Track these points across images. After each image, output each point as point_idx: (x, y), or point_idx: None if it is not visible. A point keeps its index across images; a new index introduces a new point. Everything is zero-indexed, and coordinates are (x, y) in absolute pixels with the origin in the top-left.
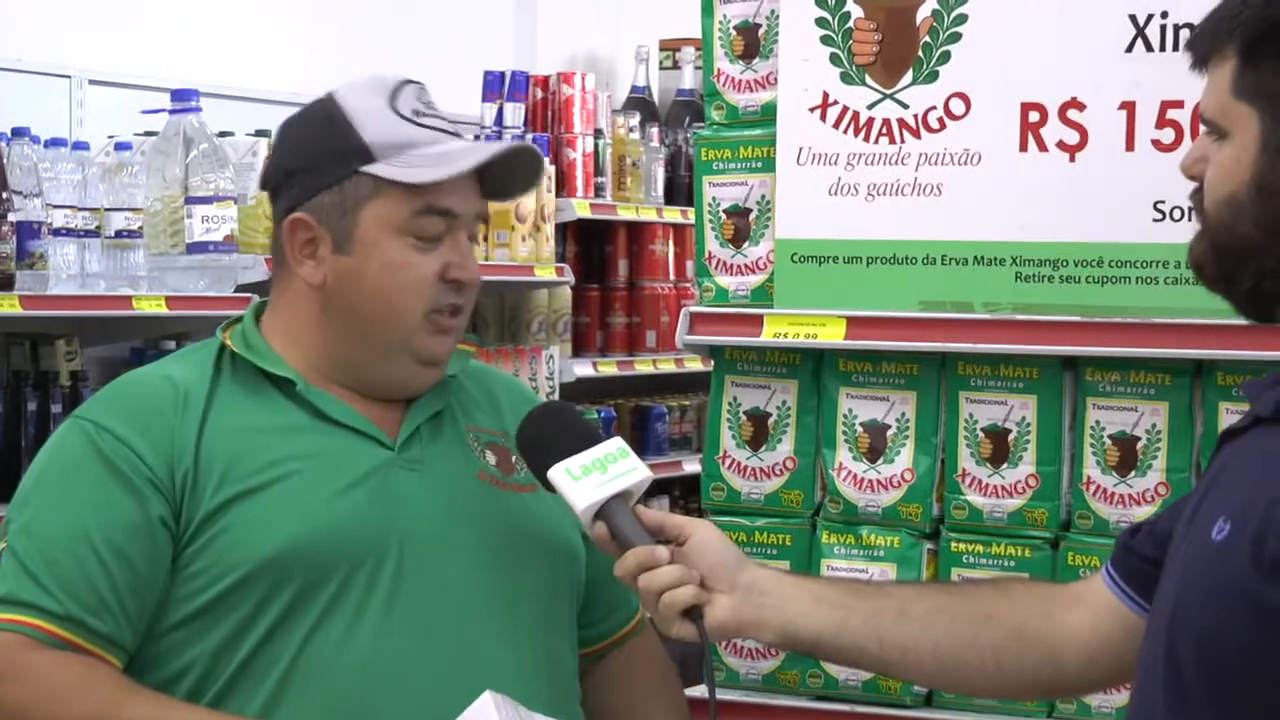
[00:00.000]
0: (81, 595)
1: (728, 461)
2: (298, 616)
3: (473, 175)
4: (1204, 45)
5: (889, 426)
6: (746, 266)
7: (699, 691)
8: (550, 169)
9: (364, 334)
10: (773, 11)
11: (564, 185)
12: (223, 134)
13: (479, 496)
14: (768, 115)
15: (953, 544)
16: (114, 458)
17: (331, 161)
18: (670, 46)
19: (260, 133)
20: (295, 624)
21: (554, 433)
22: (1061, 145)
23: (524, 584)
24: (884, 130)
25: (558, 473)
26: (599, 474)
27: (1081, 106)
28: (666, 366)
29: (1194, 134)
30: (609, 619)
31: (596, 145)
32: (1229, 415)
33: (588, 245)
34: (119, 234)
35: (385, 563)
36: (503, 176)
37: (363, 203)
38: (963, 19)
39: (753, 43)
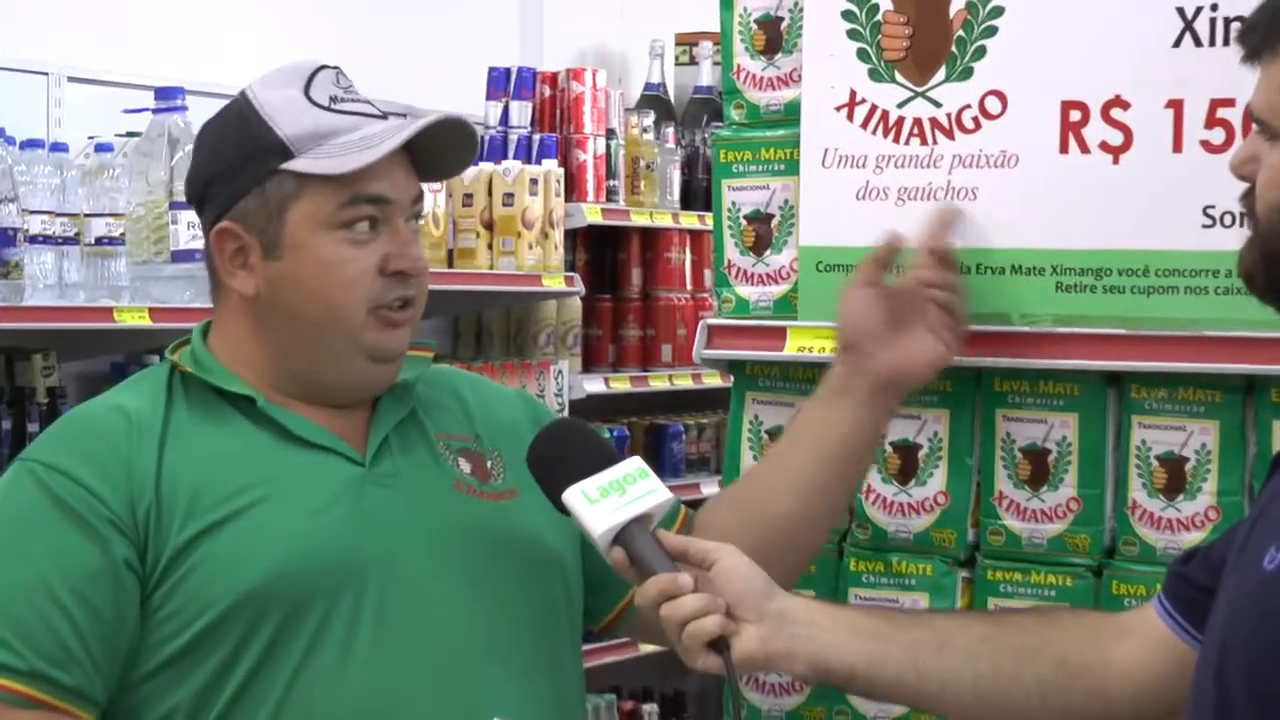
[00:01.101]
0: (46, 648)
1: None
2: (282, 653)
3: (404, 157)
4: (1256, 39)
5: (921, 446)
6: (768, 276)
7: None
8: (559, 172)
9: (308, 340)
10: (796, 4)
11: (574, 189)
12: None
13: (458, 509)
14: (791, 114)
15: (989, 572)
16: (69, 500)
17: (249, 163)
18: (687, 41)
19: None
20: (280, 661)
21: (568, 452)
22: (1104, 146)
23: (515, 595)
24: (915, 130)
25: (573, 495)
26: (617, 496)
27: (1126, 105)
28: (683, 382)
29: (1245, 133)
30: (612, 588)
31: (608, 146)
32: None
33: (599, 253)
34: (99, 241)
35: (368, 587)
36: (437, 155)
37: (287, 203)
38: (999, 11)
39: (775, 37)
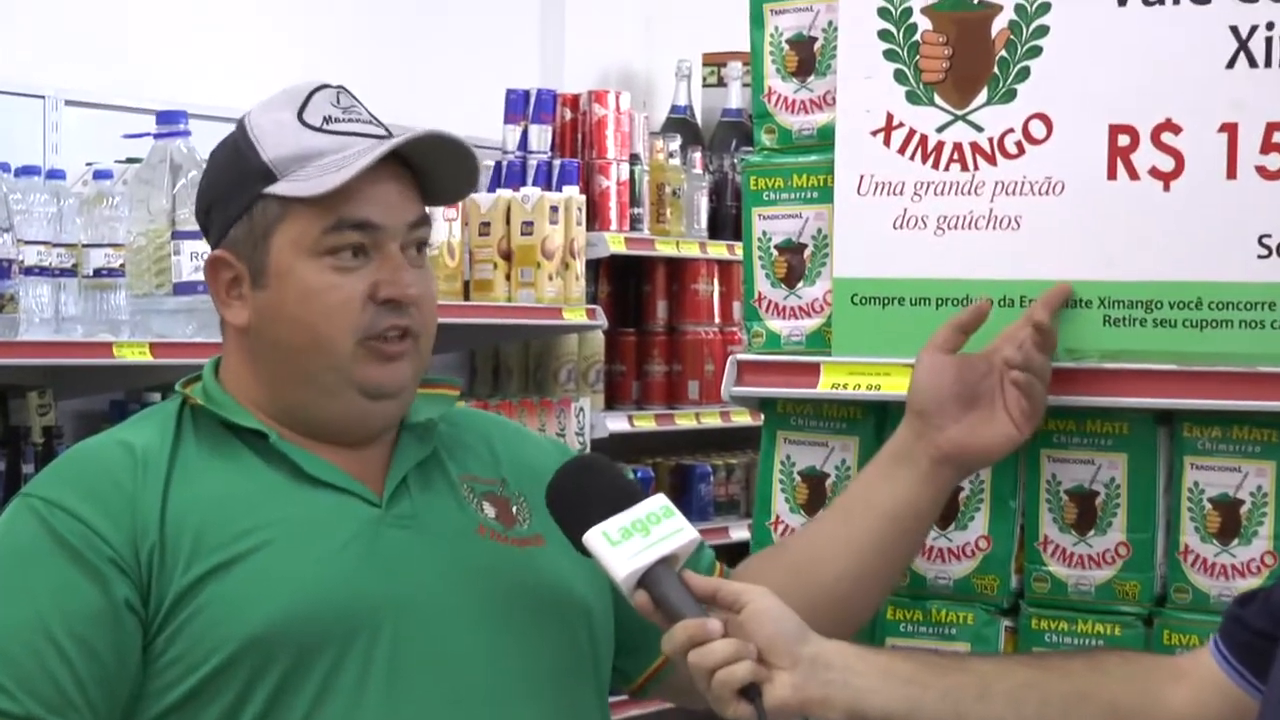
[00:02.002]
0: (43, 693)
1: (780, 528)
2: (290, 701)
3: (402, 178)
4: None
5: (962, 489)
6: (801, 309)
7: None
8: (581, 199)
9: (296, 373)
10: (830, 23)
11: (596, 217)
12: None
13: (479, 553)
14: (825, 139)
15: (1034, 620)
16: (69, 538)
17: (237, 189)
18: (715, 61)
19: None
20: (287, 710)
21: (588, 491)
22: (1154, 172)
23: (537, 647)
24: (955, 156)
25: (594, 538)
26: (640, 537)
27: (1177, 129)
28: (711, 421)
29: None
30: (646, 649)
31: (632, 172)
32: None
33: (622, 284)
34: (98, 273)
35: (381, 634)
36: (439, 176)
37: (272, 228)
38: (1043, 31)
39: (808, 58)
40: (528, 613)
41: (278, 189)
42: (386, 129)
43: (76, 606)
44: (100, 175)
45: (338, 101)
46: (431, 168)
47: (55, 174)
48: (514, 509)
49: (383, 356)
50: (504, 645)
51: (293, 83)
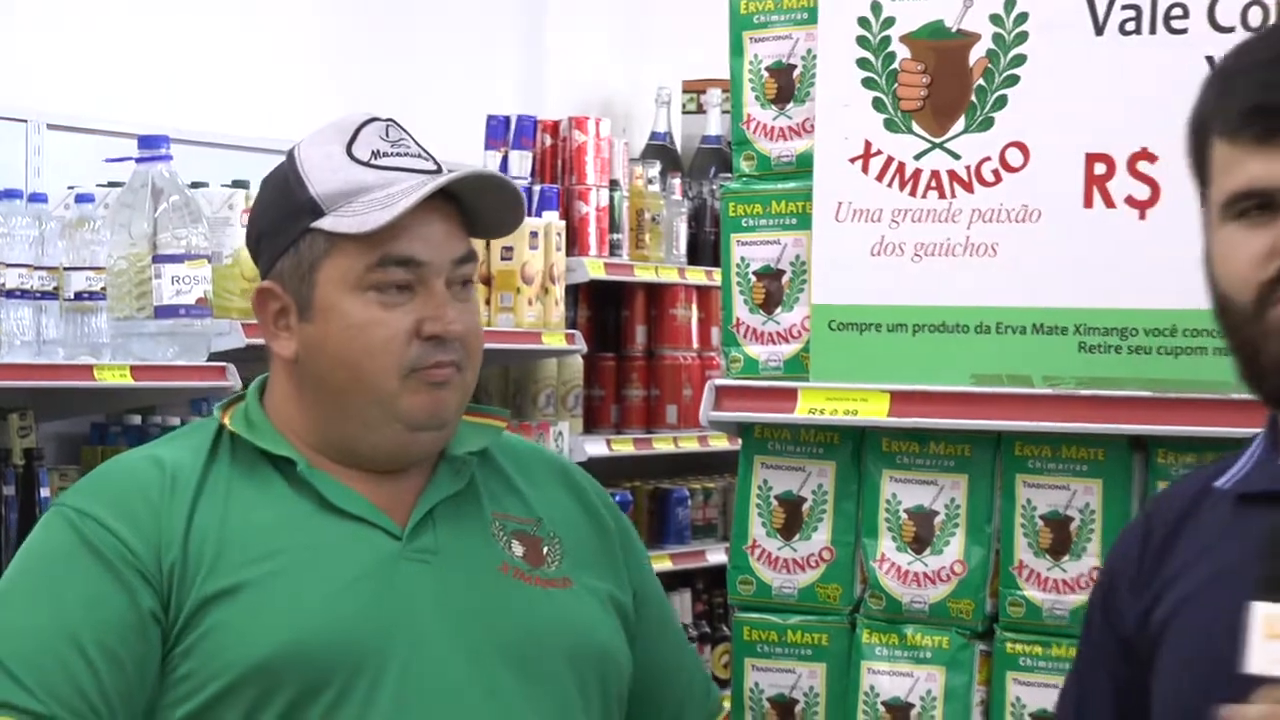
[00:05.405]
0: (65, 696)
1: (757, 552)
2: None
3: (447, 213)
4: None
5: (937, 513)
6: (779, 335)
7: None
8: (560, 224)
9: (341, 406)
10: (809, 51)
11: (575, 242)
12: (196, 185)
13: (497, 591)
14: (803, 166)
15: (1008, 645)
16: (100, 547)
17: (285, 221)
18: (694, 89)
19: (238, 183)
20: None
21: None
22: (1131, 201)
23: (545, 690)
24: (933, 183)
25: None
26: None
27: (1153, 158)
28: (689, 445)
29: None
30: (684, 713)
31: (612, 198)
32: None
33: (602, 309)
34: (79, 296)
35: (387, 669)
36: (484, 211)
37: (318, 263)
38: (1021, 60)
39: (787, 85)
40: (541, 654)
41: (324, 224)
42: (436, 161)
43: (105, 615)
44: (82, 199)
45: (386, 135)
46: (477, 203)
47: (37, 197)
48: (545, 549)
49: (427, 384)
50: (512, 686)
51: (343, 114)
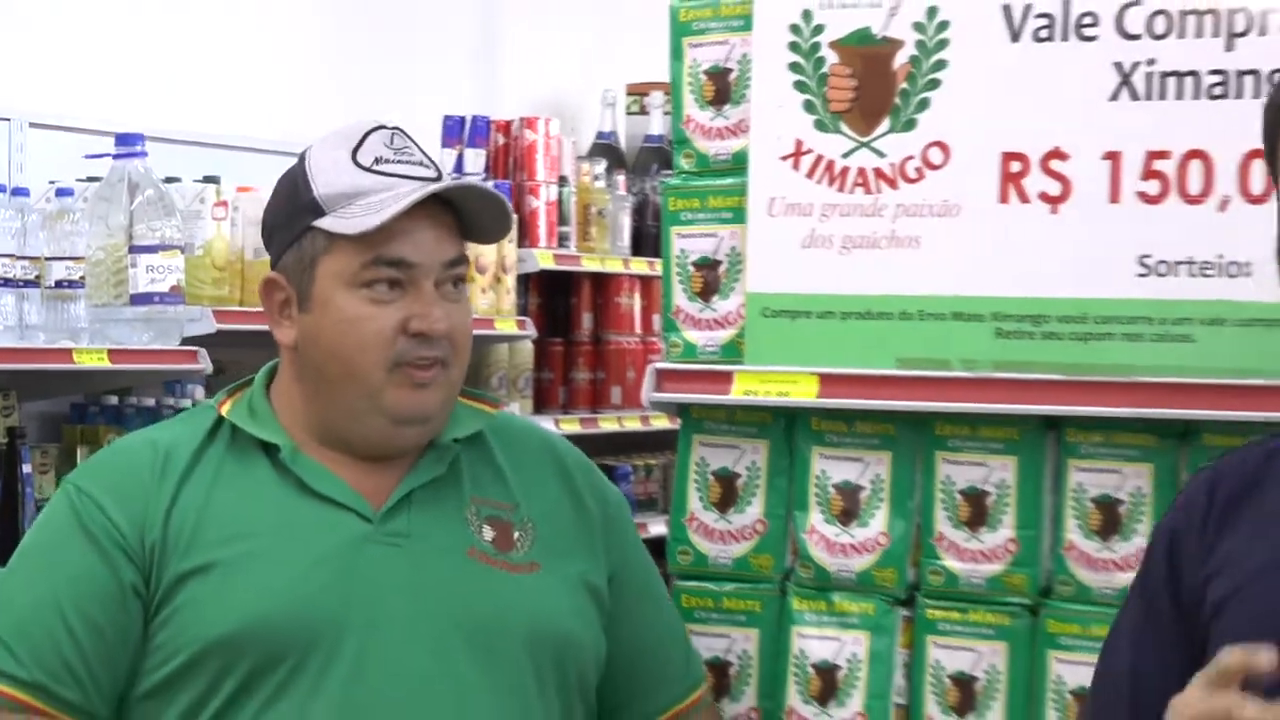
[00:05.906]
0: (49, 664)
1: (695, 524)
2: (242, 703)
3: (440, 218)
4: None
5: (863, 488)
6: (715, 321)
7: None
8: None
9: (332, 395)
10: (745, 56)
11: (526, 235)
12: (169, 180)
13: (461, 575)
14: (739, 164)
15: (928, 611)
16: (90, 524)
17: (291, 218)
18: (638, 91)
19: (209, 179)
20: (238, 712)
21: None
22: (1043, 196)
23: (500, 673)
24: (859, 180)
25: None
26: None
27: (1064, 156)
28: (632, 424)
29: (1181, 185)
30: (660, 693)
31: (560, 193)
32: None
33: (551, 297)
34: (59, 284)
35: (343, 647)
36: (476, 217)
37: (318, 259)
38: (942, 65)
39: (724, 88)
40: (502, 638)
41: (324, 223)
42: (438, 169)
43: (90, 589)
44: (62, 193)
45: (391, 142)
46: (470, 209)
47: (20, 191)
48: (515, 534)
49: (412, 383)
50: (468, 668)
51: (350, 121)
